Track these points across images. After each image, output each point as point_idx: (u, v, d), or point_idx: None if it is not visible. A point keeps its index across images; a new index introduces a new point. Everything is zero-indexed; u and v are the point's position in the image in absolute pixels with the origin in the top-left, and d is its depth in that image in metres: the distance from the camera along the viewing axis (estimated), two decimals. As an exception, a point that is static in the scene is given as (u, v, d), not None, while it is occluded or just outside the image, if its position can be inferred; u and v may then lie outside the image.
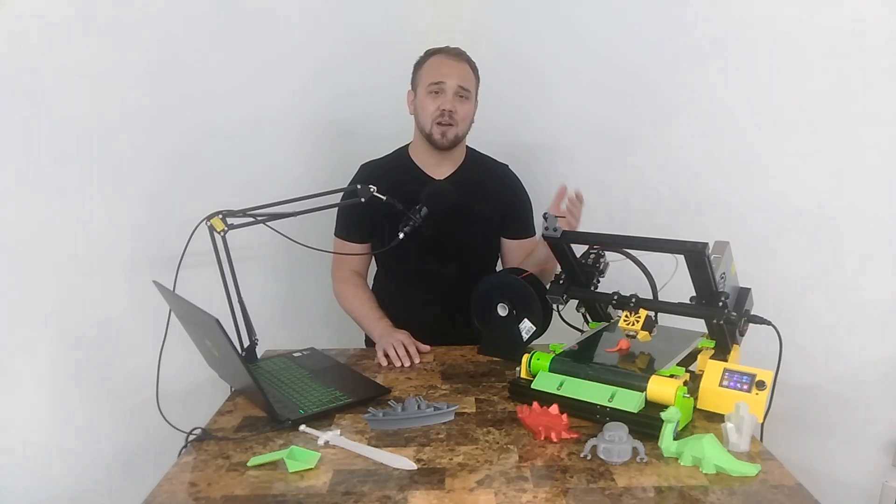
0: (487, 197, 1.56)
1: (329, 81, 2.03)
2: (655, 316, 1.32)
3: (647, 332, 1.28)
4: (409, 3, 2.01)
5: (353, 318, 1.77)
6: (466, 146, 1.78)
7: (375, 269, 1.88)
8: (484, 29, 2.00)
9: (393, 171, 1.72)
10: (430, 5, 2.01)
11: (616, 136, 2.04)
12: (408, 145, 1.78)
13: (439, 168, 1.72)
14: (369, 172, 1.74)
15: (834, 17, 1.73)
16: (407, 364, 1.53)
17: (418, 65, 1.70)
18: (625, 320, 1.30)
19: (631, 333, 1.30)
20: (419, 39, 1.73)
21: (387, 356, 1.55)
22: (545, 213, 1.35)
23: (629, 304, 1.30)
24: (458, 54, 1.67)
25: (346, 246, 1.78)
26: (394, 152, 1.79)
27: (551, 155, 2.08)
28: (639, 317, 1.28)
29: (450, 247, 1.71)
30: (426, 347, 1.61)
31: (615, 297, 1.33)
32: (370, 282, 1.87)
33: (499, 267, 1.85)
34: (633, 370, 1.24)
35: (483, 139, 1.80)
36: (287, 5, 1.95)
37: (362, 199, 1.53)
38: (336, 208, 1.70)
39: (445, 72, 1.63)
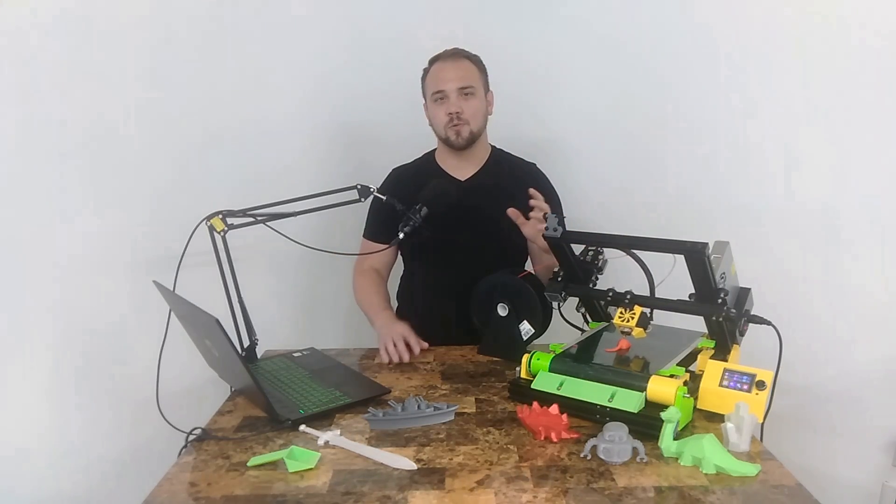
0: (511, 197, 1.56)
1: (334, 84, 2.04)
2: (651, 313, 1.32)
3: (641, 329, 1.27)
4: (416, 3, 2.01)
5: (361, 308, 1.77)
6: (492, 146, 1.79)
7: (402, 270, 1.89)
8: (493, 26, 2.00)
9: (419, 174, 1.75)
10: (439, 5, 2.01)
11: (620, 134, 2.05)
12: (435, 150, 1.81)
13: (462, 169, 1.74)
14: (397, 176, 1.79)
15: (837, 15, 1.74)
16: (406, 359, 1.53)
17: (423, 77, 1.72)
18: (619, 317, 1.29)
19: (626, 330, 1.30)
20: (428, 40, 1.74)
21: (387, 352, 1.55)
22: (545, 213, 1.36)
23: (624, 300, 1.31)
24: (454, 55, 1.68)
25: (372, 247, 1.78)
26: (422, 157, 1.83)
27: (557, 152, 2.08)
28: (633, 313, 1.28)
29: (476, 247, 1.71)
30: (424, 345, 1.61)
31: (610, 294, 1.33)
32: (396, 280, 1.88)
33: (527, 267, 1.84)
34: (633, 370, 1.24)
35: (490, 136, 1.81)
36: (294, 6, 1.95)
37: (362, 200, 1.54)
38: (339, 210, 1.70)
39: (444, 77, 1.65)
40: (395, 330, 1.59)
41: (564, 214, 1.36)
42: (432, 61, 1.70)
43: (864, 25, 1.72)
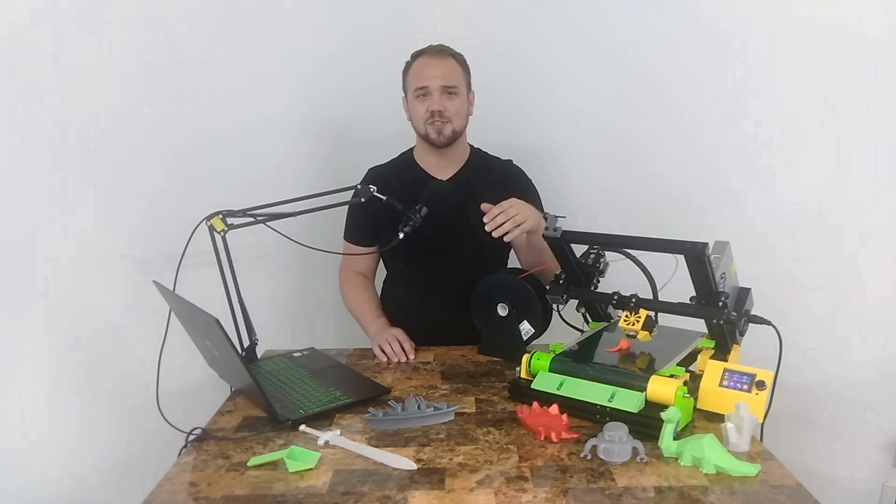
0: (493, 195, 1.56)
1: (328, 81, 2.03)
2: (655, 316, 1.32)
3: (647, 333, 1.28)
4: (409, 1, 2.01)
5: (353, 317, 1.78)
6: (470, 146, 1.78)
7: (385, 274, 1.88)
8: (484, 27, 2.00)
9: (398, 174, 1.73)
10: (431, 4, 2.01)
11: (617, 136, 2.04)
12: (412, 149, 1.79)
13: (443, 169, 1.73)
14: (375, 176, 1.75)
15: (835, 16, 1.73)
16: (403, 360, 1.54)
17: (405, 70, 1.70)
18: (625, 320, 1.29)
19: (631, 333, 1.30)
20: (419, 39, 1.73)
21: (384, 353, 1.57)
22: (545, 213, 1.35)
23: (629, 304, 1.30)
24: (439, 52, 1.65)
25: (353, 249, 1.80)
26: (399, 156, 1.80)
27: (552, 154, 2.08)
28: (639, 317, 1.28)
29: (457, 247, 1.70)
30: (412, 354, 1.60)
31: (615, 298, 1.33)
32: (379, 287, 1.88)
33: (513, 263, 1.84)
34: (633, 370, 1.24)
35: (484, 138, 1.81)
36: (285, 5, 1.95)
37: (362, 199, 1.54)
38: (340, 209, 1.70)
39: (429, 73, 1.63)
40: (390, 332, 1.61)
41: (559, 214, 1.36)
42: (416, 55, 1.67)
43: (864, 25, 1.71)
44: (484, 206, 1.50)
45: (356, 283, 1.80)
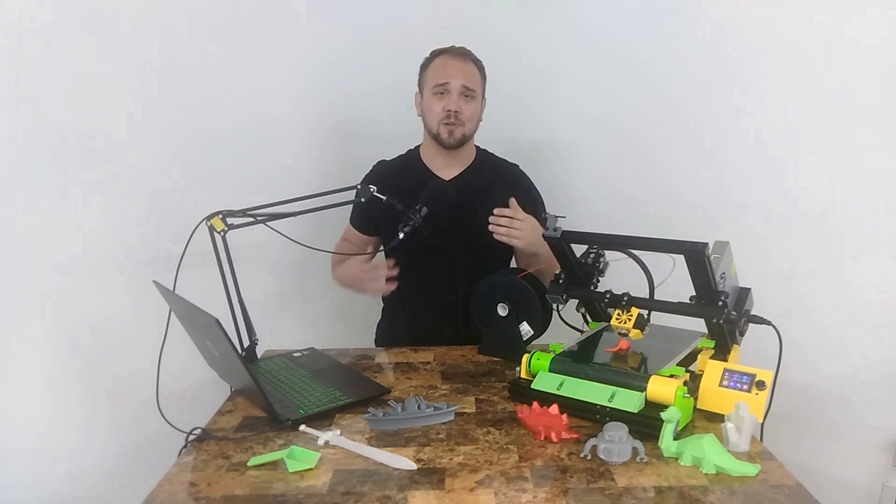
0: (496, 197, 1.57)
1: (333, 82, 2.03)
2: (648, 314, 1.32)
3: (638, 331, 1.28)
4: (414, 2, 2.01)
5: (344, 286, 1.79)
6: (476, 146, 1.79)
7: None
8: (489, 26, 2.00)
9: (403, 171, 1.74)
10: (435, 4, 2.01)
11: (618, 135, 2.05)
12: (419, 146, 1.79)
13: (448, 169, 1.73)
14: (381, 171, 1.77)
15: (834, 19, 1.74)
16: (386, 279, 1.60)
17: (423, 66, 1.71)
18: (616, 318, 1.29)
19: (623, 332, 1.30)
20: (424, 39, 1.73)
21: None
22: (545, 214, 1.36)
23: (621, 302, 1.31)
24: (462, 54, 1.67)
25: (354, 233, 1.81)
26: (406, 153, 1.81)
27: (555, 153, 2.08)
28: (630, 315, 1.28)
29: (459, 248, 1.71)
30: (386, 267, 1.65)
31: (607, 296, 1.33)
32: None
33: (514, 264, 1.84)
34: (633, 370, 1.24)
35: (487, 137, 1.80)
36: (292, 6, 1.95)
37: (362, 200, 1.54)
38: (340, 209, 1.70)
39: (450, 72, 1.64)
40: (359, 274, 1.67)
41: (559, 214, 1.36)
42: (437, 53, 1.69)
43: (865, 26, 1.72)
44: (501, 210, 1.58)
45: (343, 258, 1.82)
